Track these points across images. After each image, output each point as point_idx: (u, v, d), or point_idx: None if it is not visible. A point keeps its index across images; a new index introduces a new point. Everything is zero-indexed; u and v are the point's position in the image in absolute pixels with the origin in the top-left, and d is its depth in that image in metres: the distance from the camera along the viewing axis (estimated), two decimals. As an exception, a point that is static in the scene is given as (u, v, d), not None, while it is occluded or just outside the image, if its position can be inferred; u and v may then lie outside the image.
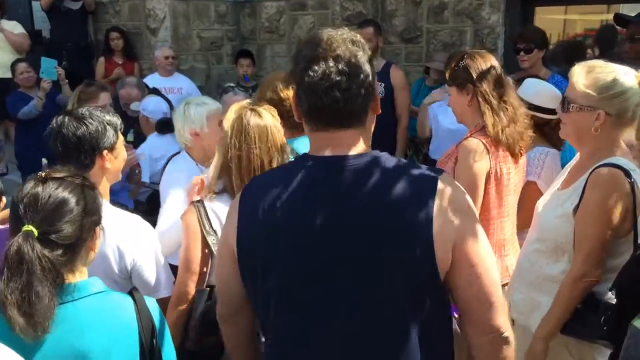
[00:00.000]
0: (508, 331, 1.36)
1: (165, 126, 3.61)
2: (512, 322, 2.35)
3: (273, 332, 1.41)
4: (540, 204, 2.17)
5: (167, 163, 2.94)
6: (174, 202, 2.50)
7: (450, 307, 1.40)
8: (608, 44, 4.92)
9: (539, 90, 2.76)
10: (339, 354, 1.31)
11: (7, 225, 1.64)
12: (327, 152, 1.31)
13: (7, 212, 1.84)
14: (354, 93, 1.28)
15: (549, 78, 3.61)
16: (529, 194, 2.51)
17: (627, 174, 1.88)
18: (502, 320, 1.34)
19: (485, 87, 2.32)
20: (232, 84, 3.95)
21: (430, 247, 1.24)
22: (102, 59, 5.87)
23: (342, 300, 1.28)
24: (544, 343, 1.96)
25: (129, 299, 1.47)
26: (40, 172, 1.45)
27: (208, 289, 1.97)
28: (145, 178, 3.53)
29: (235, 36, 6.37)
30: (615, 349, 1.79)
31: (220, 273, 1.53)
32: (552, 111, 2.62)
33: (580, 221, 1.93)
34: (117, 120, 2.01)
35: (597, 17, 5.76)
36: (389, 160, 1.32)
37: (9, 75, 5.20)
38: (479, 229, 1.31)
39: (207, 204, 1.98)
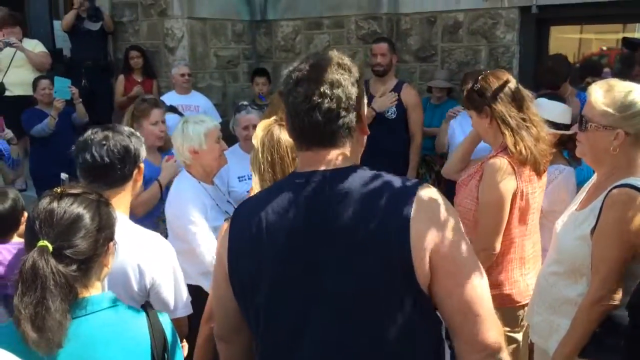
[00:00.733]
0: (503, 353, 1.28)
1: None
2: (532, 344, 2.33)
3: (261, 346, 1.41)
4: (558, 224, 2.14)
5: None
6: (201, 229, 2.56)
7: (439, 321, 1.34)
8: (628, 63, 4.89)
9: (548, 105, 2.76)
10: None
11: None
12: (311, 169, 1.35)
13: (24, 227, 1.86)
14: (334, 114, 1.31)
15: (576, 95, 3.58)
16: None
17: (644, 194, 1.84)
18: (492, 336, 1.26)
19: (501, 107, 2.31)
20: (245, 102, 3.97)
21: (407, 251, 1.23)
22: (121, 77, 5.95)
23: (323, 306, 1.28)
24: (561, 366, 1.91)
25: (142, 314, 1.48)
26: (56, 188, 1.47)
27: None
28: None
29: (252, 55, 6.44)
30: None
31: (216, 294, 1.54)
32: (565, 126, 2.60)
33: (597, 243, 1.89)
34: (141, 137, 2.07)
35: (613, 36, 5.73)
36: (367, 171, 1.35)
37: (29, 92, 5.28)
38: (461, 238, 1.29)
39: None
